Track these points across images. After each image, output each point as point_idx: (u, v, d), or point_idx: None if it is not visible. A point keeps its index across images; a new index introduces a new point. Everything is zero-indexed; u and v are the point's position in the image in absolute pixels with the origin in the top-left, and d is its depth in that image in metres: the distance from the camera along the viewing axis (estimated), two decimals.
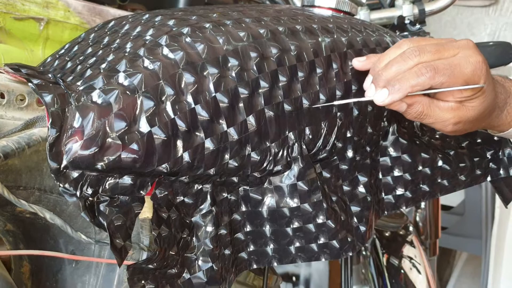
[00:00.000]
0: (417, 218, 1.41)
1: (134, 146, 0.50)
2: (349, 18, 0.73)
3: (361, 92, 0.66)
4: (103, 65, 0.54)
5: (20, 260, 0.69)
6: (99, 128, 0.50)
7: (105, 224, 0.51)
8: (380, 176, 0.74)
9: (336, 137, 0.65)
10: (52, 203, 0.60)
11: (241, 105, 0.56)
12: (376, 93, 0.59)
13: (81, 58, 0.59)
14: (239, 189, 0.63)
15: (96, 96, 0.51)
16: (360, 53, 0.66)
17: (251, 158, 0.58)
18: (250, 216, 0.64)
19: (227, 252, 0.62)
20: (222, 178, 0.59)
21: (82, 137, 0.49)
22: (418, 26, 0.89)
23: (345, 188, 0.69)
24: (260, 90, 0.58)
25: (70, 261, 0.66)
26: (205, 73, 0.54)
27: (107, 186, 0.52)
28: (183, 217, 0.59)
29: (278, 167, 0.61)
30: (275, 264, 0.67)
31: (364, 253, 1.23)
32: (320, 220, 0.63)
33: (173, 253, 0.58)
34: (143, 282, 0.57)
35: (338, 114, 0.64)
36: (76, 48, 0.63)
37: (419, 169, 0.75)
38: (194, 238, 0.59)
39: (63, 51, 0.65)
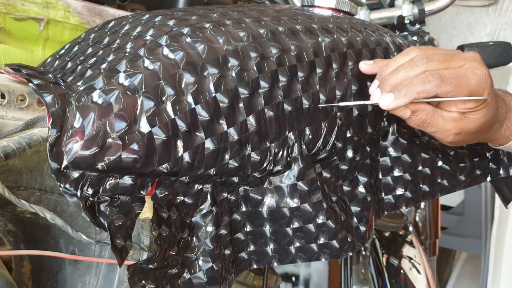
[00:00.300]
0: (417, 218, 1.41)
1: (135, 146, 0.51)
2: (349, 18, 0.73)
3: (361, 92, 0.66)
4: (104, 65, 0.54)
5: (21, 260, 0.69)
6: (100, 128, 0.50)
7: (106, 224, 0.51)
8: (380, 176, 0.74)
9: (336, 137, 0.65)
10: (52, 203, 0.60)
11: (241, 105, 0.56)
12: (382, 97, 0.60)
13: (81, 58, 0.59)
14: (239, 189, 0.63)
15: (96, 96, 0.51)
16: (360, 53, 0.67)
17: (251, 158, 0.58)
18: (250, 216, 0.64)
19: (227, 252, 0.62)
20: (222, 178, 0.59)
21: (83, 137, 0.49)
22: (417, 26, 0.89)
23: (345, 188, 0.69)
24: (260, 90, 0.58)
25: (71, 261, 0.66)
26: (205, 73, 0.54)
27: (107, 186, 0.52)
28: (183, 217, 0.59)
29: (278, 167, 0.61)
30: (275, 264, 0.67)
31: (363, 253, 1.23)
32: (320, 220, 0.64)
33: (174, 253, 0.58)
34: (143, 282, 0.57)
35: (338, 114, 0.64)
36: (76, 48, 0.63)
37: (419, 169, 0.75)
38: (194, 238, 0.59)
39: (63, 51, 0.65)
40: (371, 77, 0.67)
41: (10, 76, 0.55)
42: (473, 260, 2.30)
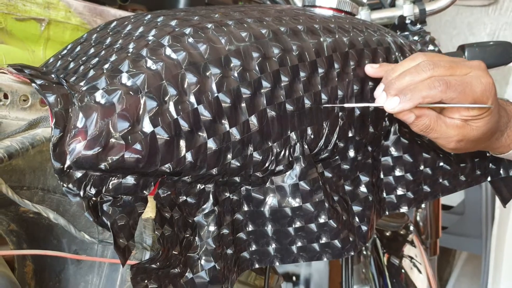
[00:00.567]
0: (418, 218, 1.42)
1: (137, 146, 0.51)
2: (350, 18, 0.73)
3: (362, 92, 0.66)
4: (106, 66, 0.54)
5: (24, 259, 0.70)
6: (103, 128, 0.50)
7: (109, 224, 0.51)
8: (382, 175, 0.74)
9: (337, 136, 0.65)
10: (55, 203, 0.60)
11: (243, 105, 0.56)
12: (388, 101, 0.60)
13: (83, 58, 0.59)
14: (241, 189, 0.63)
15: (99, 97, 0.51)
16: (362, 53, 0.67)
17: (253, 158, 0.58)
18: (252, 216, 0.64)
19: (229, 251, 0.62)
20: (224, 178, 0.59)
21: (86, 137, 0.49)
22: (418, 26, 0.89)
23: (347, 187, 0.69)
24: (262, 90, 0.58)
25: (73, 261, 0.66)
26: (207, 73, 0.54)
27: (110, 186, 0.52)
28: (185, 217, 0.59)
29: (280, 167, 0.61)
30: (277, 263, 0.67)
31: (364, 252, 1.23)
32: (322, 219, 0.64)
33: (176, 252, 0.59)
34: (146, 281, 0.57)
35: (340, 114, 0.65)
36: (78, 48, 0.63)
37: (420, 169, 0.75)
38: (196, 238, 0.60)
39: (65, 51, 0.65)
40: (373, 78, 0.67)
41: (13, 76, 0.55)
42: (474, 259, 2.30)
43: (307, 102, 0.61)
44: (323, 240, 0.65)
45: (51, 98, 0.49)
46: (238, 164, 0.57)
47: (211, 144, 0.55)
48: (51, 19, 0.80)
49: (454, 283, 2.32)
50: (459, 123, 0.62)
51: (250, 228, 0.64)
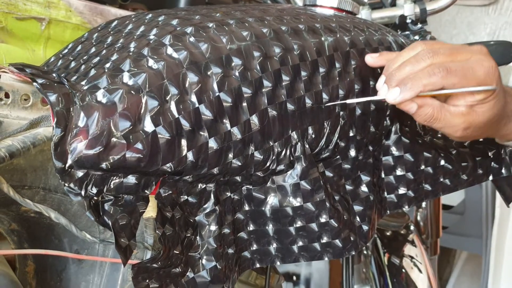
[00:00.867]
0: (418, 218, 1.42)
1: (139, 146, 0.51)
2: (351, 17, 0.73)
3: (364, 91, 0.66)
4: (107, 65, 0.54)
5: (25, 259, 0.70)
6: (104, 127, 0.50)
7: (110, 223, 0.51)
8: (383, 175, 0.74)
9: (339, 136, 0.65)
10: (56, 202, 0.60)
11: (244, 104, 0.56)
12: (389, 92, 0.60)
13: (85, 57, 0.59)
14: (242, 188, 0.63)
15: (100, 96, 0.51)
16: (363, 52, 0.67)
17: (254, 158, 0.58)
18: (253, 215, 0.64)
19: (230, 251, 0.62)
20: (225, 177, 0.59)
21: (87, 137, 0.49)
22: (419, 25, 0.89)
23: (348, 187, 0.69)
24: (263, 90, 0.58)
25: (75, 260, 0.66)
26: (209, 73, 0.54)
27: (111, 186, 0.52)
28: (187, 216, 0.59)
29: (281, 167, 0.61)
30: (278, 263, 0.67)
31: (365, 252, 1.23)
32: (323, 219, 0.64)
33: (177, 252, 0.59)
34: (147, 281, 0.57)
35: (341, 113, 0.64)
36: (79, 47, 0.63)
37: (421, 168, 0.75)
38: (198, 237, 0.60)
39: (66, 50, 0.65)
40: (374, 76, 0.67)
41: (14, 75, 0.55)
42: (474, 259, 2.30)
43: (308, 102, 0.61)
44: (324, 239, 0.65)
45: (53, 97, 0.49)
46: (239, 164, 0.57)
47: (212, 144, 0.55)
48: (52, 18, 0.80)
49: (454, 283, 2.32)
50: (465, 110, 0.61)
51: (251, 227, 0.64)
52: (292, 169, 0.62)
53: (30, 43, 0.79)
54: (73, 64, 0.59)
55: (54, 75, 0.54)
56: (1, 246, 0.70)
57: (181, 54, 0.54)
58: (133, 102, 0.51)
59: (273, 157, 0.60)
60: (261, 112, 0.58)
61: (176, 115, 0.52)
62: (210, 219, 0.60)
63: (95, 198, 0.51)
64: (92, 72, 0.54)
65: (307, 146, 0.62)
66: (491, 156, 0.79)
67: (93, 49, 0.60)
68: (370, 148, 0.70)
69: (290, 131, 0.60)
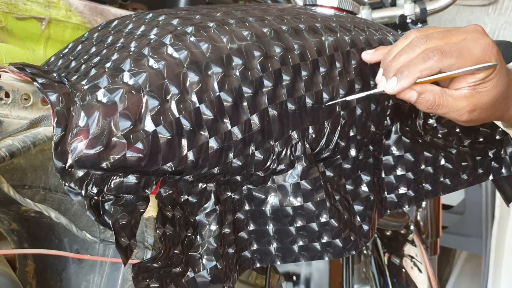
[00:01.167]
0: (418, 217, 1.42)
1: (139, 145, 0.51)
2: (352, 17, 0.73)
3: (364, 90, 0.66)
4: (108, 64, 0.54)
5: (25, 259, 0.69)
6: (104, 127, 0.50)
7: (110, 223, 0.51)
8: (383, 175, 0.74)
9: (339, 136, 0.65)
10: (57, 202, 0.60)
11: (245, 104, 0.56)
12: (387, 83, 0.60)
13: (85, 57, 0.59)
14: (243, 188, 0.63)
15: (101, 95, 0.51)
16: (364, 51, 0.67)
17: (254, 157, 0.58)
18: (254, 215, 0.64)
19: (230, 250, 0.62)
20: (226, 177, 0.59)
21: (87, 136, 0.49)
22: (419, 25, 0.89)
23: (348, 187, 0.69)
24: (263, 89, 0.58)
25: (75, 260, 0.66)
26: (209, 72, 0.54)
27: (112, 185, 0.52)
28: (187, 216, 0.59)
29: (282, 166, 0.61)
30: (278, 263, 0.67)
31: (365, 252, 1.23)
32: (323, 219, 0.64)
33: (178, 251, 0.59)
34: (147, 281, 0.57)
35: (342, 113, 0.64)
36: (80, 47, 0.63)
37: (421, 168, 0.75)
38: (198, 237, 0.60)
39: (66, 50, 0.65)
40: (374, 75, 0.67)
41: (15, 75, 0.55)
42: (474, 259, 2.30)
43: (309, 101, 0.61)
44: (325, 239, 0.65)
45: (53, 97, 0.49)
46: (240, 163, 0.57)
47: (213, 143, 0.55)
48: (52, 18, 0.80)
49: (454, 283, 2.32)
50: (468, 93, 0.60)
51: (251, 227, 0.64)
52: (292, 168, 0.62)
53: (30, 42, 0.79)
54: (73, 63, 0.59)
55: (54, 74, 0.54)
56: (1, 245, 0.70)
57: (182, 54, 0.54)
58: (133, 101, 0.51)
59: (274, 157, 0.60)
60: (262, 111, 0.58)
61: (177, 115, 0.52)
62: (211, 219, 0.60)
63: (96, 197, 0.51)
64: (93, 71, 0.54)
65: (307, 145, 0.62)
66: (491, 156, 0.79)
67: (93, 49, 0.60)
68: (371, 147, 0.70)
69: (290, 131, 0.60)
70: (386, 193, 0.75)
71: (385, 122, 0.71)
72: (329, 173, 0.67)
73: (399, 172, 0.74)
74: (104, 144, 0.49)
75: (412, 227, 1.29)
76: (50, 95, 0.50)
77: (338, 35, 0.65)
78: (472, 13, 2.09)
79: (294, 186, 0.62)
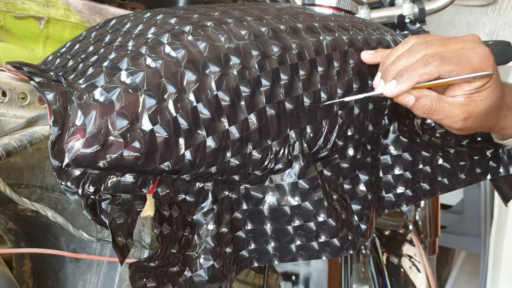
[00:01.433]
0: (417, 217, 1.42)
1: (136, 144, 0.51)
2: (350, 16, 0.73)
3: (362, 90, 0.66)
4: (105, 63, 0.54)
5: (22, 258, 0.69)
6: (101, 126, 0.50)
7: (107, 222, 0.51)
8: (381, 174, 0.74)
9: (337, 135, 0.65)
10: (53, 201, 0.60)
11: (242, 103, 0.56)
12: (386, 86, 0.60)
13: (82, 56, 0.59)
14: (240, 187, 0.63)
15: (98, 94, 0.51)
16: (361, 51, 0.67)
17: (252, 156, 0.58)
18: (251, 214, 0.64)
19: (228, 250, 0.62)
20: (223, 176, 0.59)
21: (84, 135, 0.49)
22: (418, 25, 0.89)
23: (346, 186, 0.69)
24: (261, 89, 0.58)
25: (72, 260, 0.66)
26: (207, 71, 0.54)
27: (109, 184, 0.52)
28: (184, 215, 0.59)
29: (279, 166, 0.61)
30: (276, 262, 0.67)
31: (363, 251, 1.23)
32: (321, 218, 0.64)
33: (175, 251, 0.59)
34: (144, 280, 0.57)
35: (339, 112, 0.64)
36: (77, 46, 0.63)
37: (419, 167, 0.75)
38: (195, 236, 0.60)
39: (64, 49, 0.65)
40: (372, 75, 0.67)
41: (12, 74, 0.55)
42: (473, 258, 2.31)
43: (307, 101, 0.61)
44: (322, 238, 0.65)
45: (50, 96, 0.49)
46: (237, 163, 0.57)
47: (210, 143, 0.55)
48: (50, 17, 0.80)
49: (453, 282, 2.32)
50: (463, 100, 0.61)
51: (249, 226, 0.64)
52: (290, 168, 0.62)
53: (29, 42, 0.79)
54: (71, 62, 0.59)
55: (51, 73, 0.54)
56: None
57: (179, 53, 0.54)
58: (130, 100, 0.51)
59: (271, 156, 0.60)
60: (259, 111, 0.58)
61: (174, 114, 0.52)
62: (208, 218, 0.60)
63: (92, 196, 0.51)
64: (90, 70, 0.54)
65: (305, 145, 0.62)
66: (489, 155, 0.79)
67: (91, 48, 0.60)
68: (368, 147, 0.70)
69: (288, 130, 0.60)
70: (384, 192, 0.75)
71: (383, 121, 0.71)
72: (327, 173, 0.67)
73: (397, 171, 0.74)
74: (101, 143, 0.49)
75: (410, 227, 1.29)
76: (47, 94, 0.50)
77: (336, 35, 0.65)
78: (471, 14, 2.09)
79: (291, 185, 0.62)
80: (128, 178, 0.53)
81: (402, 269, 1.24)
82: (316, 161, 0.65)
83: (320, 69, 0.62)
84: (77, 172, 0.50)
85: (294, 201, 0.62)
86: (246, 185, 0.62)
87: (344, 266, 1.09)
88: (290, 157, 0.61)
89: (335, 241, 0.65)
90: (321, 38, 0.64)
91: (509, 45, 0.96)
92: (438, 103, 0.61)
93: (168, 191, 0.57)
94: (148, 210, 0.59)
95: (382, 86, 0.61)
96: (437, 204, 1.44)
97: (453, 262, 2.40)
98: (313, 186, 0.62)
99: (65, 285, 0.66)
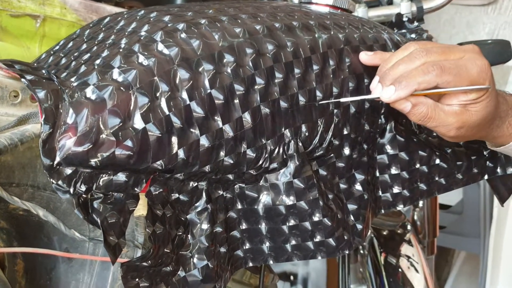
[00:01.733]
0: (415, 217, 1.41)
1: (128, 143, 0.50)
2: (346, 15, 0.73)
3: (358, 89, 0.66)
4: (98, 61, 0.53)
5: (14, 257, 0.69)
6: (93, 124, 0.49)
7: (99, 221, 0.51)
8: (377, 174, 0.74)
9: (332, 134, 0.64)
10: (45, 200, 0.60)
11: (236, 101, 0.56)
12: (383, 90, 0.60)
13: (75, 54, 0.58)
14: (235, 186, 0.62)
15: (90, 92, 0.50)
16: (357, 49, 0.66)
17: (246, 155, 0.58)
18: (246, 214, 0.63)
19: (222, 250, 0.62)
20: (217, 175, 0.58)
21: (76, 134, 0.49)
22: (416, 23, 0.89)
23: (342, 185, 0.68)
24: (256, 87, 0.57)
25: (64, 259, 0.65)
26: (200, 69, 0.54)
27: (101, 183, 0.51)
28: (178, 215, 0.59)
29: (274, 165, 0.60)
30: (271, 262, 0.66)
31: (361, 251, 1.22)
32: (316, 218, 0.63)
33: (168, 250, 0.58)
34: (137, 280, 0.56)
35: (335, 111, 0.64)
36: (70, 44, 0.63)
37: (416, 167, 0.75)
38: (189, 236, 0.59)
39: (57, 47, 0.65)
40: (368, 74, 0.66)
41: (3, 71, 0.55)
42: (472, 259, 2.30)
43: (302, 99, 0.61)
44: (318, 238, 0.64)
45: (41, 94, 0.49)
46: (231, 162, 0.57)
47: (204, 141, 0.54)
48: (47, 16, 0.79)
49: (452, 283, 2.32)
50: (458, 110, 0.61)
51: (243, 226, 0.64)
52: (285, 167, 0.61)
53: (25, 40, 0.79)
54: (63, 60, 0.59)
55: (43, 71, 0.54)
56: None
57: (172, 51, 0.53)
58: (123, 98, 0.50)
59: (266, 155, 0.59)
60: (254, 109, 0.57)
61: (167, 112, 0.52)
62: (202, 218, 0.59)
63: (84, 195, 0.51)
64: (82, 68, 0.53)
65: (300, 144, 0.61)
66: (486, 155, 0.79)
67: (84, 46, 0.59)
68: (365, 146, 0.70)
69: (283, 129, 0.60)
70: (380, 192, 0.74)
71: (380, 120, 0.70)
72: (322, 172, 0.66)
73: (394, 171, 0.74)
74: (93, 142, 0.49)
75: (409, 227, 1.29)
76: (38, 92, 0.49)
77: (332, 33, 0.65)
78: (471, 13, 2.08)
79: (286, 184, 0.61)
80: (121, 177, 0.52)
81: (400, 269, 1.23)
82: (312, 160, 0.65)
83: (315, 67, 0.62)
84: (68, 170, 0.50)
85: (289, 200, 0.62)
86: (240, 184, 0.62)
87: (342, 266, 1.09)
88: (285, 156, 0.61)
89: (331, 241, 0.65)
90: (316, 36, 0.63)
91: (509, 44, 0.95)
92: (434, 111, 0.61)
93: (161, 190, 0.56)
94: (141, 209, 0.59)
95: (379, 91, 0.61)
96: (435, 204, 1.44)
97: (453, 263, 2.40)
98: (308, 186, 0.62)
99: (58, 285, 0.66)
